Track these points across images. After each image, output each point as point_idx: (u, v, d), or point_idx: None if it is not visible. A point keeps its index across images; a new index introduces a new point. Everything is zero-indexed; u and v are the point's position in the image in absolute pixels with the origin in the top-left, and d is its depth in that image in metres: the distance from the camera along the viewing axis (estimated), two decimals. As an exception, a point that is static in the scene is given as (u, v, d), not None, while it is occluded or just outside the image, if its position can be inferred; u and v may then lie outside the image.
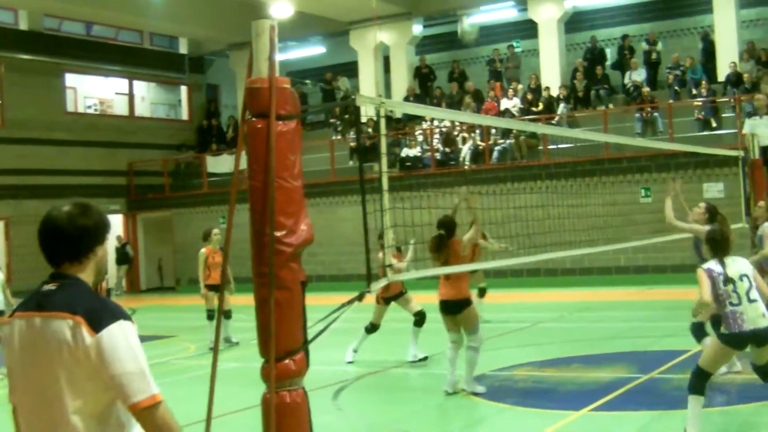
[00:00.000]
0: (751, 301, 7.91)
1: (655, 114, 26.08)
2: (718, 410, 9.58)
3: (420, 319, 13.66)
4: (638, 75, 28.27)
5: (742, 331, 7.82)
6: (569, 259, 23.88)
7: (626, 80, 28.55)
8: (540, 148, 26.78)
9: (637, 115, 26.31)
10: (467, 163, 27.56)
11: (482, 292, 17.06)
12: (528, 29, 31.51)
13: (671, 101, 26.62)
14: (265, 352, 5.04)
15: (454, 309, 11.04)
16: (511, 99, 29.08)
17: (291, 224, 5.06)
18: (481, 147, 27.71)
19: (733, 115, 24.89)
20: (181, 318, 23.33)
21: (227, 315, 16.11)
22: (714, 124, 25.54)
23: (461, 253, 11.00)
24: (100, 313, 3.40)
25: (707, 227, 10.28)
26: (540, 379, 12.21)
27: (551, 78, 29.91)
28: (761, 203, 13.15)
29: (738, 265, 8.12)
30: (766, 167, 18.04)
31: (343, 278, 27.42)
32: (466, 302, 11.10)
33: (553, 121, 27.47)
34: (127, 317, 3.45)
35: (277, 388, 4.98)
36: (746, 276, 8.03)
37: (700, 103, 26.01)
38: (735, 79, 26.36)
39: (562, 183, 24.77)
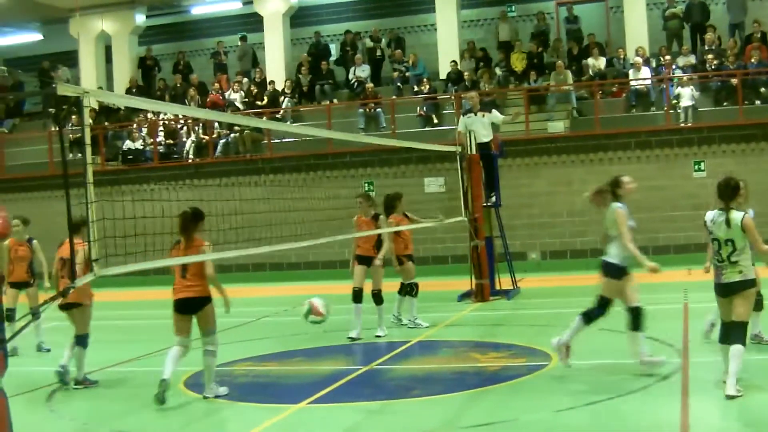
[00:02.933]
0: None
1: (378, 110, 26.41)
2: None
3: None
4: (362, 71, 28.52)
5: None
6: (294, 254, 23.76)
7: (350, 76, 28.76)
8: (264, 142, 26.56)
9: (361, 110, 26.54)
10: (191, 156, 27.01)
11: None
12: (254, 22, 31.16)
13: (394, 97, 27.06)
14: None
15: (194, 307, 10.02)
16: (236, 92, 28.70)
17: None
18: (204, 140, 27.19)
19: (453, 111, 25.55)
20: None
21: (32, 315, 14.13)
22: (435, 121, 26.17)
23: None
24: None
25: None
26: (260, 373, 11.95)
27: (276, 72, 29.73)
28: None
29: None
30: (482, 162, 18.60)
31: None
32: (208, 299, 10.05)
33: (277, 116, 27.30)
34: None
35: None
36: None
37: (422, 100, 26.57)
38: (455, 77, 27.11)
39: (286, 177, 24.65)
